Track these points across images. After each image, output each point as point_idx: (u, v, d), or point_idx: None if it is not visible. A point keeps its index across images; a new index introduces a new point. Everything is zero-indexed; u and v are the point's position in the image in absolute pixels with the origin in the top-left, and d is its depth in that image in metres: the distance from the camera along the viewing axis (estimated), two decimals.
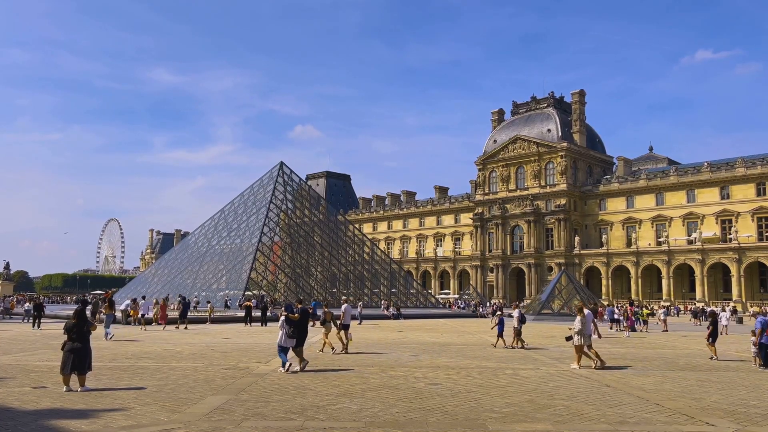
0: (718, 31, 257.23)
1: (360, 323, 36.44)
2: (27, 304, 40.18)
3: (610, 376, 14.98)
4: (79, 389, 11.85)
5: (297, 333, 15.22)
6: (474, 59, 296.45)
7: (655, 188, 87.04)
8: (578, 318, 16.50)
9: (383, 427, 8.96)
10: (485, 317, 50.87)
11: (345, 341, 19.55)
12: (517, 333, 22.49)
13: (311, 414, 9.82)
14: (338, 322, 20.30)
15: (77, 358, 12.08)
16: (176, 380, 13.34)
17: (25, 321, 36.58)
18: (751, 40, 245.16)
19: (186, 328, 31.07)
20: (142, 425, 8.92)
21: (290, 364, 14.83)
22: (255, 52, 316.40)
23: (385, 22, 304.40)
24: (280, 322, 15.35)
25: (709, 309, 43.02)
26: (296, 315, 15.40)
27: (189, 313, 34.52)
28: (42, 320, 32.43)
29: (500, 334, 22.77)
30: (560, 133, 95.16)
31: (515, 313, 23.19)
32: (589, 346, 16.64)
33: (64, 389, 11.87)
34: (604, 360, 16.76)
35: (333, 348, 19.45)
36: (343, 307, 20.81)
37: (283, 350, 15.12)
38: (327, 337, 19.66)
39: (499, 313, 28.72)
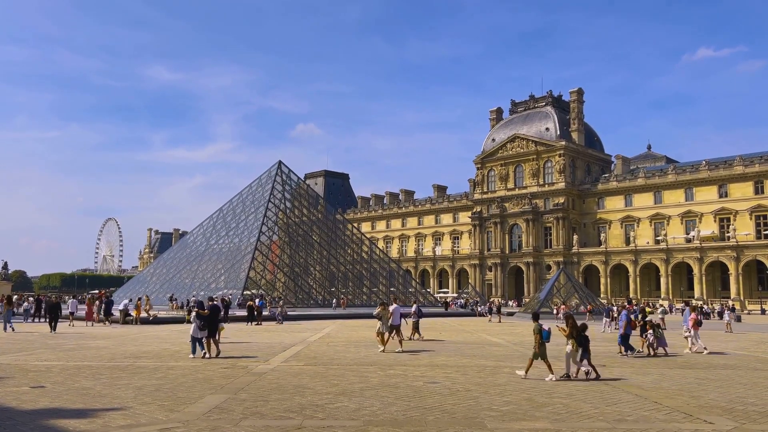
0: (720, 29, 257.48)
1: (281, 323, 35.97)
2: (25, 303, 40.04)
3: (608, 374, 15.00)
4: None
5: (208, 326, 17.66)
6: (474, 55, 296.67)
7: (654, 186, 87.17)
8: (378, 310, 20.27)
9: (382, 425, 8.97)
10: (483, 316, 50.92)
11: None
12: (415, 326, 25.01)
13: (310, 413, 9.84)
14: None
15: None
16: (175, 379, 13.35)
17: (29, 321, 36.54)
18: (755, 38, 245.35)
19: (105, 324, 33.57)
20: (140, 424, 8.92)
21: (205, 353, 17.46)
22: (254, 49, 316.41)
23: (385, 18, 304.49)
24: (192, 317, 18.10)
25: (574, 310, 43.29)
26: (206, 311, 17.89)
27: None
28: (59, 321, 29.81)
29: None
30: (558, 132, 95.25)
31: (413, 308, 26.38)
32: (392, 333, 20.35)
33: None
34: (403, 347, 20.18)
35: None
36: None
37: (196, 341, 17.64)
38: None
39: (393, 305, 30.20)
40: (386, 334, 20.08)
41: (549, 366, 13.73)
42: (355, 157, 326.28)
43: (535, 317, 15.00)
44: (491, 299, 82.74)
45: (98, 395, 11.34)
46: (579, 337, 13.95)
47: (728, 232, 78.55)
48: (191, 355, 17.55)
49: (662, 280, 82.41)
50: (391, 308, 20.89)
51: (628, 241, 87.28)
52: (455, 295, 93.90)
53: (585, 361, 13.97)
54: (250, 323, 34.63)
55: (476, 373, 14.78)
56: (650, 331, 19.84)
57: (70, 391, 11.78)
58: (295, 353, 19.22)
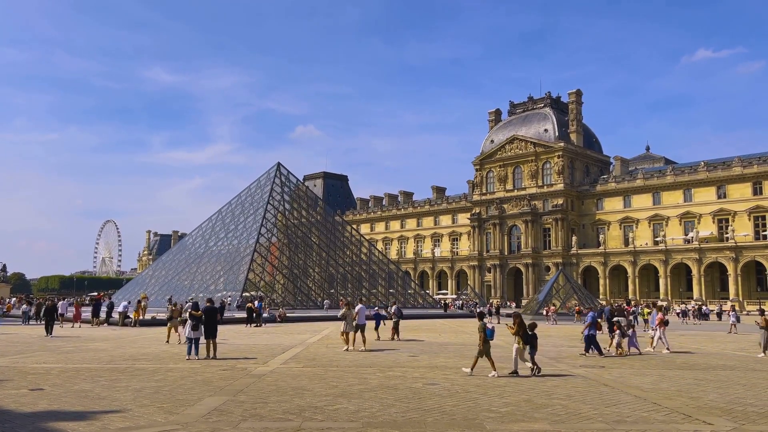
0: (719, 30, 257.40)
1: (261, 325, 35.57)
2: (24, 305, 39.98)
3: (607, 375, 15.02)
4: None
5: (205, 327, 18.15)
6: (473, 57, 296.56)
7: (652, 188, 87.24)
8: (343, 311, 21.04)
9: (381, 427, 8.97)
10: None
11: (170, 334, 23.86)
12: (395, 326, 26.20)
13: (309, 415, 9.83)
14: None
15: None
16: (174, 381, 13.34)
17: (27, 323, 36.49)
18: (754, 39, 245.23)
19: (95, 325, 34.62)
20: (139, 427, 8.92)
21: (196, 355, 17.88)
22: (253, 51, 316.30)
23: (384, 20, 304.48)
24: (188, 316, 18.88)
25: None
26: (199, 312, 18.43)
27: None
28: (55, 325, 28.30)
29: (376, 328, 26.01)
30: (557, 133, 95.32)
31: (393, 308, 27.79)
32: (356, 332, 21.14)
33: None
34: (367, 346, 21.21)
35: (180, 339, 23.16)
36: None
37: (191, 341, 18.06)
38: (176, 330, 23.61)
39: (376, 308, 32.26)
40: (351, 334, 20.95)
41: (492, 363, 14.46)
42: (355, 158, 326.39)
43: (480, 317, 15.93)
44: (491, 300, 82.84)
45: (97, 397, 11.33)
46: (525, 334, 14.77)
47: (727, 233, 78.62)
48: (187, 357, 17.77)
49: (661, 281, 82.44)
50: (355, 309, 21.75)
51: (626, 242, 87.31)
52: (454, 296, 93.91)
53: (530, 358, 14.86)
54: (249, 325, 34.66)
55: (475, 375, 14.77)
56: (617, 331, 20.57)
57: (68, 393, 11.76)
58: (294, 355, 19.22)
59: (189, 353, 17.91)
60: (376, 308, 34.27)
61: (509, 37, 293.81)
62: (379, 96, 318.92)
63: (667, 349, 21.50)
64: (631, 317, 36.51)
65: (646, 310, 41.26)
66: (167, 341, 23.30)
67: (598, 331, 20.72)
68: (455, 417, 9.73)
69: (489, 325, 14.85)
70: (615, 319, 21.76)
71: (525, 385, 13.07)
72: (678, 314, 56.55)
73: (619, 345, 20.40)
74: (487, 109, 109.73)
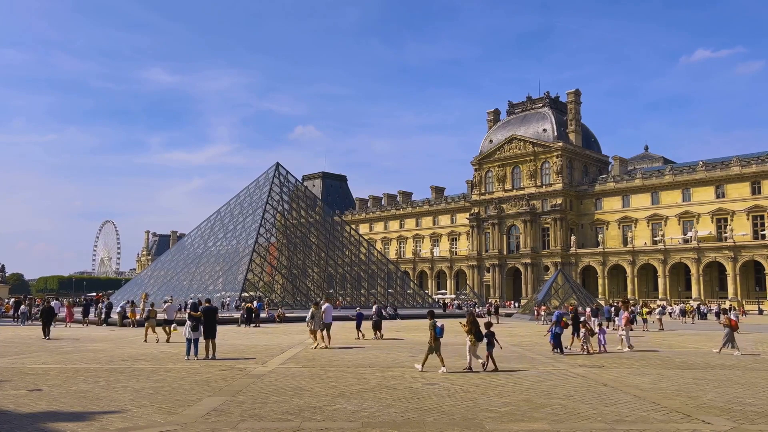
0: (718, 30, 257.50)
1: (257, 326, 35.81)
2: (23, 307, 39.85)
3: (606, 375, 15.03)
4: None
5: (205, 327, 18.13)
6: (472, 58, 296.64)
7: (651, 187, 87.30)
8: (312, 310, 21.50)
9: (380, 427, 8.97)
10: (481, 317, 50.95)
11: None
12: (375, 325, 26.77)
13: (308, 415, 9.83)
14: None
15: None
16: (173, 382, 13.33)
17: (23, 324, 36.42)
18: (753, 39, 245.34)
19: (86, 325, 35.46)
20: (138, 427, 8.91)
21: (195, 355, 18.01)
22: (252, 52, 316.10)
23: (383, 21, 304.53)
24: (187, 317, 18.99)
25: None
26: (198, 313, 18.40)
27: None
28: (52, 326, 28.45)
29: (358, 327, 26.69)
30: (556, 133, 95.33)
31: (374, 308, 28.62)
32: (323, 331, 21.51)
33: None
34: (329, 344, 21.50)
35: (158, 338, 24.55)
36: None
37: (189, 341, 18.01)
38: (153, 330, 25.32)
39: (358, 308, 33.13)
40: (318, 332, 21.46)
41: (442, 360, 15.22)
42: (354, 159, 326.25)
43: (431, 315, 16.35)
44: (490, 300, 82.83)
45: (96, 398, 11.32)
46: (478, 332, 15.46)
47: (725, 233, 78.69)
48: (186, 357, 17.86)
49: (660, 281, 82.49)
50: (323, 308, 22.20)
51: (625, 242, 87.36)
52: (453, 296, 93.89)
53: (487, 353, 15.67)
54: (248, 325, 34.65)
55: (475, 374, 14.78)
56: (583, 330, 21.02)
57: (67, 394, 11.75)
58: (293, 355, 19.21)
59: (188, 353, 17.97)
60: (358, 308, 34.99)
61: (508, 38, 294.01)
62: (378, 96, 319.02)
63: (630, 346, 21.83)
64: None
65: (645, 310, 41.28)
66: (145, 340, 24.17)
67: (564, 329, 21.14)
68: (454, 417, 9.73)
69: (439, 324, 15.37)
70: (582, 319, 22.31)
71: (524, 385, 13.08)
72: (671, 314, 56.56)
73: (585, 344, 20.70)
74: (485, 109, 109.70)
